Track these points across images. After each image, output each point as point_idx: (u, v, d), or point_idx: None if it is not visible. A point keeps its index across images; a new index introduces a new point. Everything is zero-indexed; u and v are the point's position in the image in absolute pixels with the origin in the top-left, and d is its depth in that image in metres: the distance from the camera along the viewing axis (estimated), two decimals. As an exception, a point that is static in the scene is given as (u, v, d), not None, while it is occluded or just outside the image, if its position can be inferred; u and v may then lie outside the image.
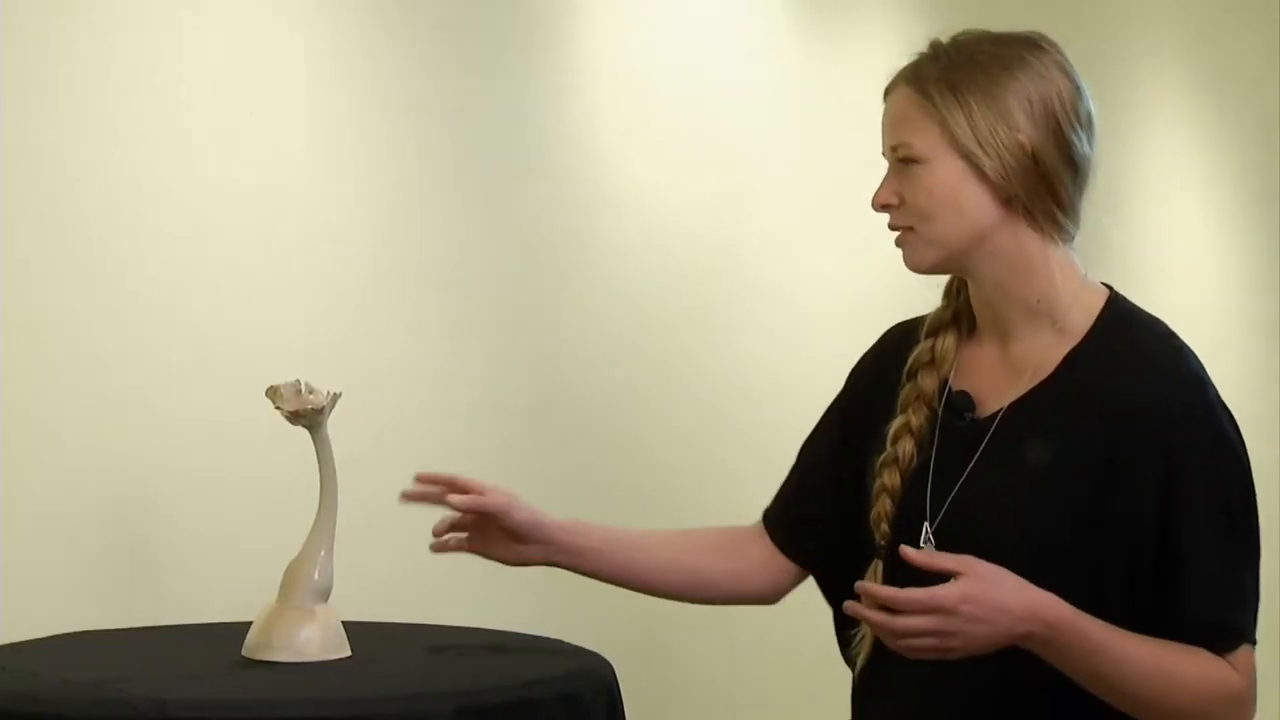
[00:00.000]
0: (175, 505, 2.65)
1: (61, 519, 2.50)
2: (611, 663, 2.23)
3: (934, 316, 2.16)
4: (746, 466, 3.38)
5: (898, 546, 1.98)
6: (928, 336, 2.15)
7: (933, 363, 2.13)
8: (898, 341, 2.20)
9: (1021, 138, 2.03)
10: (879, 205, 2.08)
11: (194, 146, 2.71)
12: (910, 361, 2.14)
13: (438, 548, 2.23)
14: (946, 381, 2.12)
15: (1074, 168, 2.06)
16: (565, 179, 3.43)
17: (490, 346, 3.23)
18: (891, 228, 2.09)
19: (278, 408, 2.22)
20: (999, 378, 2.09)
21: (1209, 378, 2.07)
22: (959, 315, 2.14)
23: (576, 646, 2.31)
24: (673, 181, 3.63)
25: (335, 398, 2.23)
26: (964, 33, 2.11)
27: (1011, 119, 2.03)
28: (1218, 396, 2.07)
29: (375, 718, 1.92)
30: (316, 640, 2.19)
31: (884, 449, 2.11)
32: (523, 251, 3.32)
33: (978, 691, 2.04)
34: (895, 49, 4.75)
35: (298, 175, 2.89)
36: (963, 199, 2.04)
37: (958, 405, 2.11)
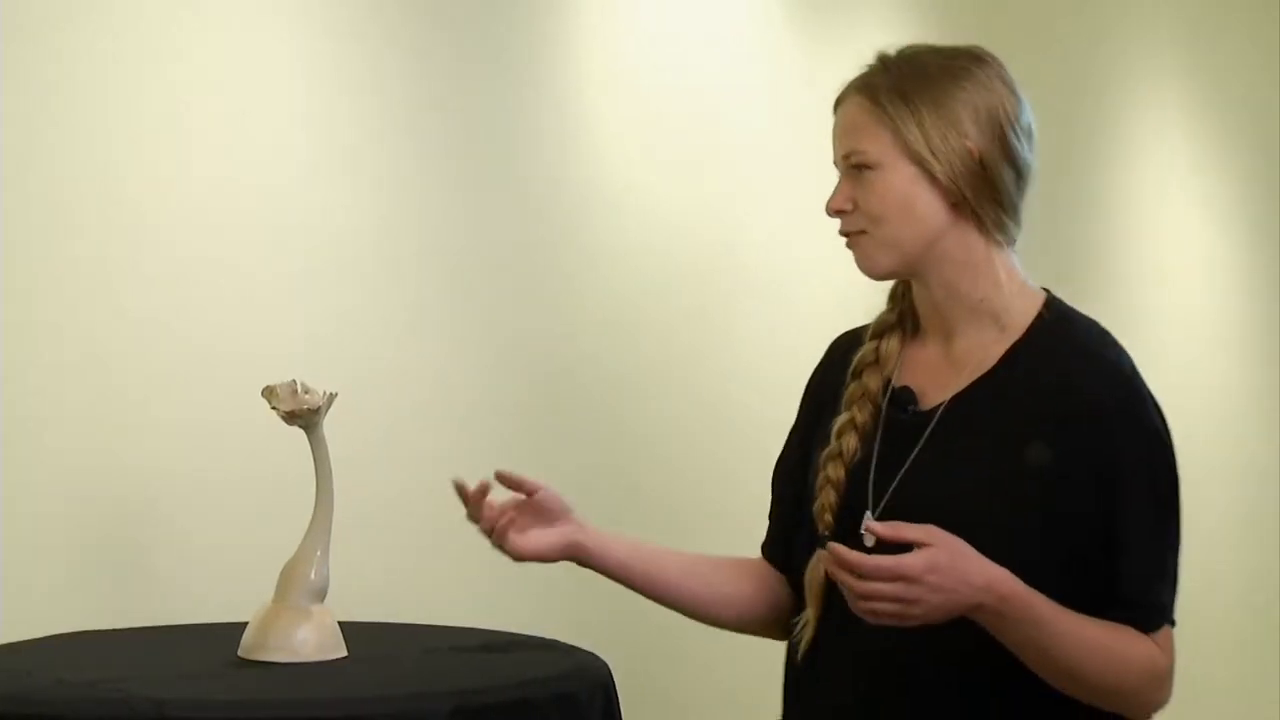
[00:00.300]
0: (172, 505, 2.65)
1: (57, 519, 2.51)
2: (609, 663, 2.24)
3: (879, 319, 2.25)
4: (746, 465, 3.37)
5: (841, 537, 2.06)
6: (873, 338, 2.23)
7: (877, 363, 2.21)
8: (844, 349, 2.28)
9: (970, 144, 2.12)
10: (833, 210, 2.16)
11: (192, 147, 2.71)
12: (855, 362, 2.22)
13: (494, 530, 2.21)
14: (890, 381, 2.20)
15: (1017, 174, 2.16)
16: (563, 180, 3.43)
17: (487, 347, 3.23)
18: (844, 233, 2.17)
19: (274, 408, 2.22)
20: (942, 374, 2.17)
21: (1139, 373, 2.16)
22: (903, 318, 2.22)
23: (573, 647, 2.31)
24: (671, 182, 3.63)
25: (331, 398, 2.23)
26: (909, 47, 2.20)
27: (960, 126, 2.12)
28: (1148, 390, 2.15)
29: (371, 718, 1.92)
30: (313, 640, 2.19)
31: (829, 444, 2.18)
32: (521, 252, 3.32)
33: (925, 674, 2.10)
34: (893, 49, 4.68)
35: (296, 176, 2.89)
36: (915, 203, 2.13)
37: (901, 400, 2.18)
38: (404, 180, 3.09)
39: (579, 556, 2.25)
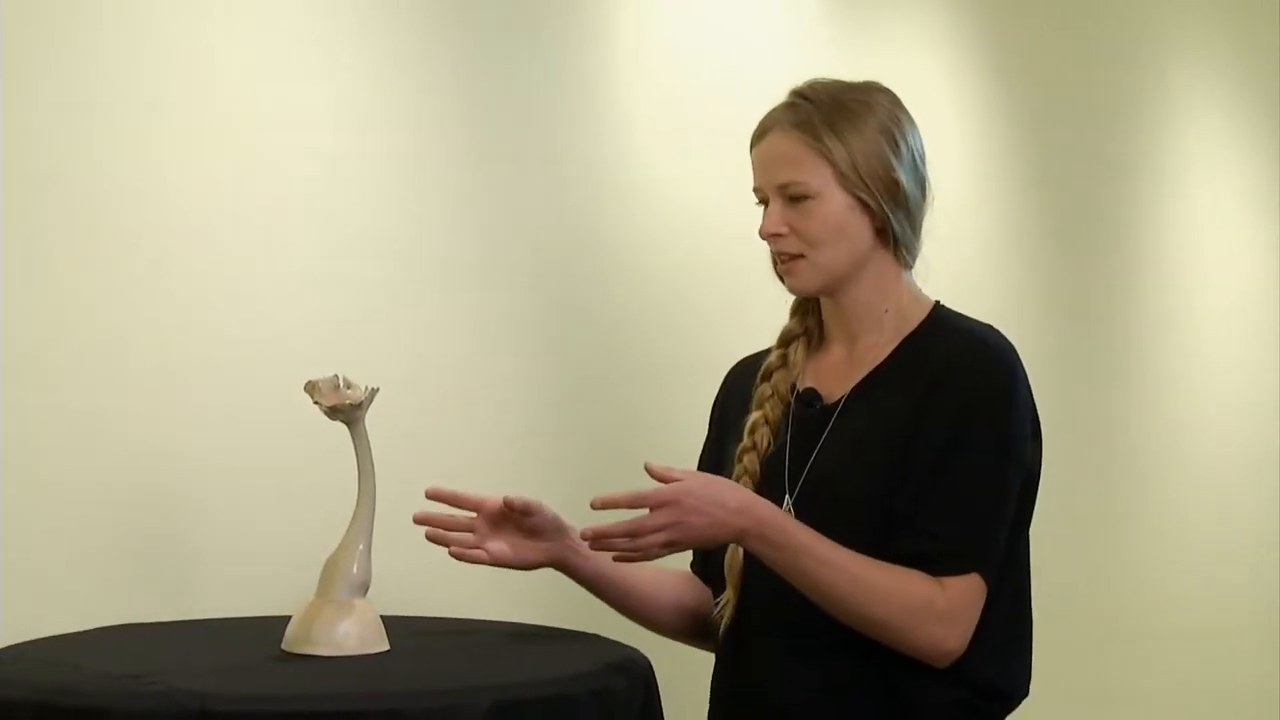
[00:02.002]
0: (214, 500, 2.66)
1: (101, 514, 2.52)
2: (650, 658, 2.24)
3: (785, 330, 2.44)
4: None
5: None
6: (779, 346, 2.43)
7: (785, 366, 2.40)
8: (744, 371, 2.48)
9: (895, 175, 2.31)
10: (769, 234, 2.34)
11: (225, 142, 2.71)
12: (764, 366, 2.42)
13: (459, 555, 2.35)
14: (795, 384, 2.39)
15: (924, 199, 2.36)
16: (595, 174, 3.43)
17: (518, 341, 3.23)
18: (779, 254, 2.34)
19: (316, 403, 2.23)
20: (845, 372, 2.37)
21: (1019, 362, 2.30)
22: (809, 330, 2.42)
23: (614, 641, 2.32)
24: (703, 176, 3.63)
25: (373, 393, 2.24)
26: (819, 81, 2.37)
27: (885, 158, 2.31)
28: (1024, 377, 2.30)
29: (412, 711, 1.92)
30: (355, 634, 2.20)
31: (743, 440, 2.36)
32: (553, 246, 3.32)
33: (842, 638, 2.25)
34: (923, 46, 4.72)
35: (325, 170, 2.89)
36: (849, 229, 2.32)
37: (807, 398, 2.37)
38: (435, 175, 3.09)
39: (558, 566, 2.40)
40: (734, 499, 2.19)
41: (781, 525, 2.20)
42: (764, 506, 2.21)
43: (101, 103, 2.54)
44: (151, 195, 2.61)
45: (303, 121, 2.86)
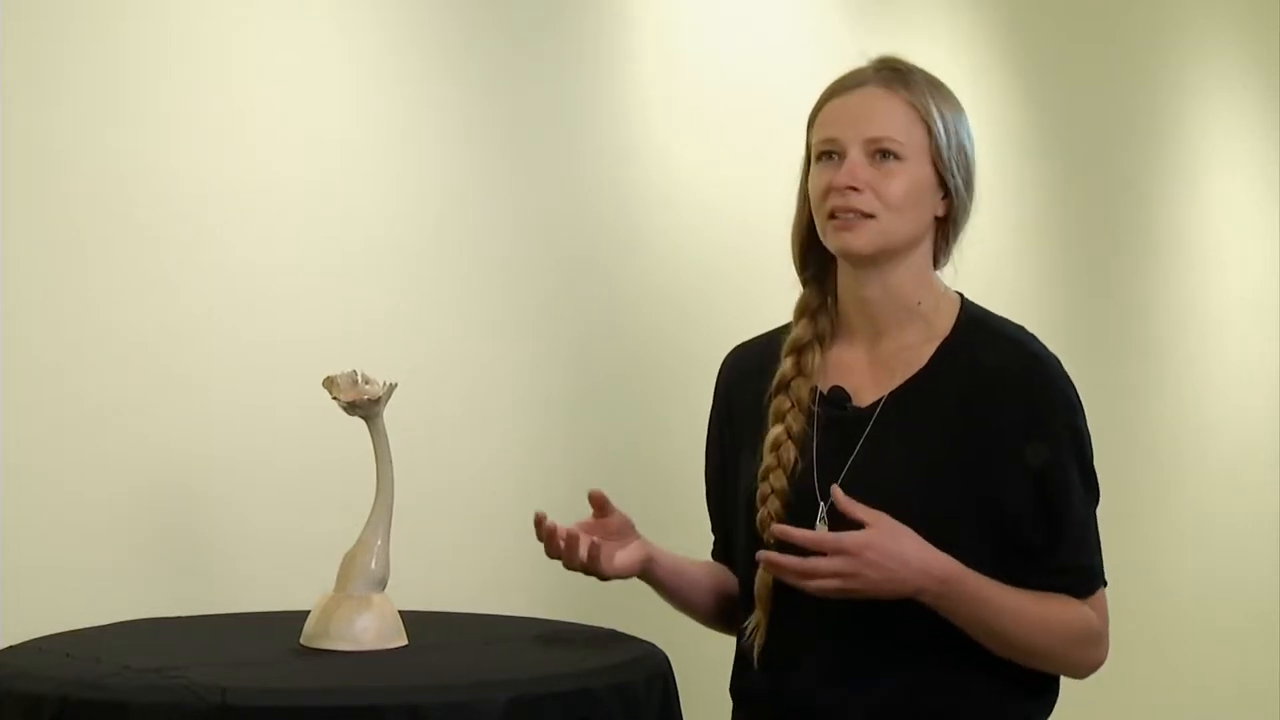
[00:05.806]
0: (233, 495, 2.66)
1: (123, 508, 2.52)
2: (667, 653, 2.24)
3: (795, 337, 2.31)
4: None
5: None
6: (790, 353, 2.31)
7: (801, 375, 2.29)
8: (745, 360, 2.39)
9: (973, 168, 2.27)
10: (846, 185, 2.20)
11: (245, 141, 2.72)
12: (777, 378, 2.30)
13: (587, 559, 2.28)
14: (816, 388, 2.28)
15: (971, 204, 2.29)
16: (614, 172, 3.43)
17: (540, 336, 3.23)
18: (845, 210, 2.21)
19: (334, 398, 2.24)
20: (872, 374, 2.27)
21: (1056, 358, 2.27)
22: (820, 332, 2.31)
23: (632, 637, 2.32)
24: (724, 174, 3.63)
25: (391, 388, 2.24)
26: (901, 59, 2.29)
27: (965, 146, 2.25)
28: (1063, 371, 2.27)
29: (431, 706, 1.92)
30: (373, 629, 2.21)
31: (764, 460, 2.26)
32: (571, 245, 3.32)
33: (878, 649, 2.22)
34: (945, 47, 4.72)
35: (347, 168, 2.90)
36: (924, 202, 2.24)
37: (835, 399, 2.27)
38: (453, 173, 3.10)
39: (646, 570, 2.35)
40: (917, 557, 2.14)
41: (960, 580, 2.16)
42: (944, 563, 2.15)
43: (118, 98, 2.55)
44: (168, 192, 2.61)
45: (321, 119, 2.86)
